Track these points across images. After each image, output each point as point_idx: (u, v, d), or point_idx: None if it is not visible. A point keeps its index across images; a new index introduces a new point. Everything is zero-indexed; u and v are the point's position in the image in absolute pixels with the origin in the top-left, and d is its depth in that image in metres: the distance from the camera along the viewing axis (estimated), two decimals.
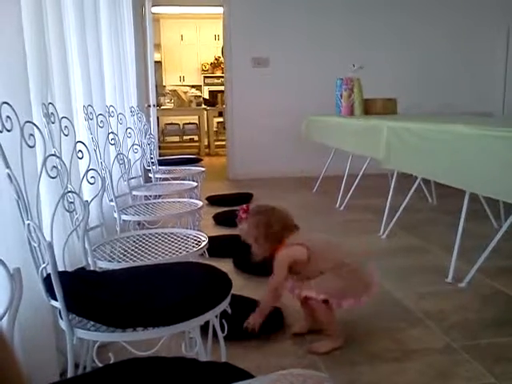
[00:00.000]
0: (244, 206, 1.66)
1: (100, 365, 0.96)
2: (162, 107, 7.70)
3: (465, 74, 5.41)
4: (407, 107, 4.25)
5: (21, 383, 0.48)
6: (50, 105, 1.39)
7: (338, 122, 3.69)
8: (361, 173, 3.72)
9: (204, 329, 1.14)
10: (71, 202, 1.26)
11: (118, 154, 2.09)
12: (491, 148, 1.86)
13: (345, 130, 3.46)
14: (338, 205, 3.79)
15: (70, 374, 1.03)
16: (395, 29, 5.30)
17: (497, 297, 2.03)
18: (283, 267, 1.59)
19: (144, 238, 1.61)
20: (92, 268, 1.31)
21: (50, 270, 1.02)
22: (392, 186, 3.05)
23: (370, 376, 1.46)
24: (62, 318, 1.02)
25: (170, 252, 1.45)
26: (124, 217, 1.90)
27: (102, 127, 1.94)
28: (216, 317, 1.08)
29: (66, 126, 1.39)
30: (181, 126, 8.20)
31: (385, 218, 3.00)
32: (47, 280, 1.03)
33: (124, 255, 1.46)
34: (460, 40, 5.39)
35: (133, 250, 1.49)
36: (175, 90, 8.10)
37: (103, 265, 1.36)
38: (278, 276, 1.59)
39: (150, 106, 4.69)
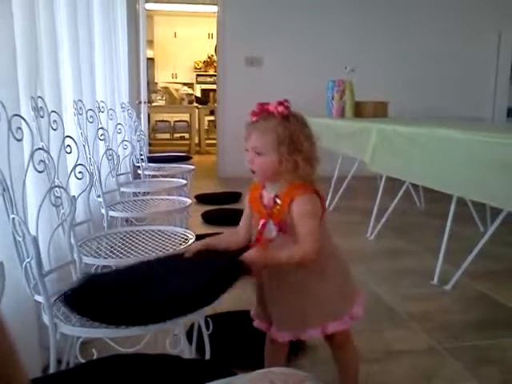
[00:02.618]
0: (273, 104, 1.11)
1: (83, 361, 0.95)
2: (154, 104, 7.67)
3: (456, 79, 5.46)
4: (399, 110, 4.28)
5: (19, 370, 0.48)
6: (39, 99, 1.38)
7: (328, 123, 3.70)
8: (350, 175, 3.73)
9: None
10: (58, 197, 1.25)
11: (107, 149, 2.07)
12: (478, 153, 1.88)
13: (334, 132, 3.47)
14: (327, 205, 3.80)
15: (52, 370, 1.02)
16: (389, 32, 5.33)
17: (481, 300, 2.05)
18: (316, 220, 1.10)
19: (131, 235, 1.61)
20: (78, 264, 1.31)
21: (33, 264, 1.01)
22: (381, 189, 3.07)
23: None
24: (45, 313, 1.01)
25: (157, 249, 1.45)
26: (111, 213, 1.89)
27: (91, 122, 1.93)
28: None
29: (54, 121, 1.38)
30: (172, 124, 8.17)
31: (373, 220, 3.02)
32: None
33: (111, 251, 1.45)
34: (452, 45, 5.44)
35: (119, 247, 1.48)
36: (167, 88, 8.06)
37: (89, 260, 1.35)
38: (315, 231, 1.07)
39: (140, 102, 4.67)
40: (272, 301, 1.16)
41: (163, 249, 1.45)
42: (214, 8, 5.43)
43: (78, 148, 1.49)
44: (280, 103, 1.10)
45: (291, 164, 1.08)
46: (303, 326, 1.15)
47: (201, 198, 4.00)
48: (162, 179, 2.79)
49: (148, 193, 2.45)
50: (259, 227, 1.14)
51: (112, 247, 1.49)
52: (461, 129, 2.10)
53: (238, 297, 2.04)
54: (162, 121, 8.18)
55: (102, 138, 2.00)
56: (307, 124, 1.14)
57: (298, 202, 1.08)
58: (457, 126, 2.29)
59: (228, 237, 1.28)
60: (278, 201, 1.11)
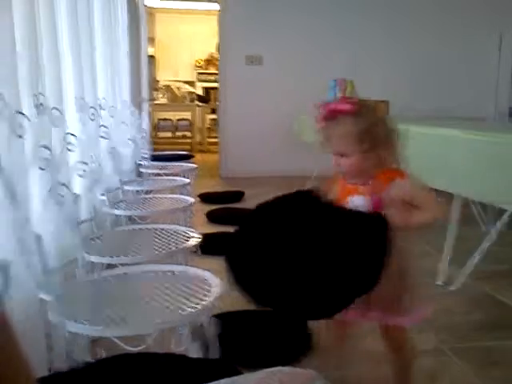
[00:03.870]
0: (334, 104, 1.10)
1: (90, 359, 0.94)
2: (155, 102, 7.65)
3: (457, 78, 5.44)
4: (400, 109, 4.26)
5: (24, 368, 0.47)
6: (41, 95, 1.37)
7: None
8: None
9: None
10: (61, 195, 1.24)
11: (109, 147, 2.06)
12: (481, 152, 1.86)
13: None
14: None
15: (59, 369, 1.01)
16: (389, 31, 5.31)
17: (486, 300, 2.04)
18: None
19: (135, 233, 1.60)
20: (81, 261, 1.30)
21: (38, 262, 1.00)
22: None
23: (359, 375, 1.46)
24: (52, 312, 1.00)
25: (160, 248, 1.44)
26: (115, 211, 1.88)
27: (93, 120, 1.92)
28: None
29: (56, 118, 1.37)
30: (174, 122, 8.16)
31: None
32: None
33: (114, 250, 1.44)
34: (453, 45, 5.42)
35: (123, 245, 1.48)
36: (168, 86, 8.05)
37: (93, 258, 1.35)
38: (431, 194, 1.07)
39: (142, 100, 4.65)
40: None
41: (167, 247, 1.44)
42: (216, 6, 5.41)
43: (80, 146, 1.48)
44: (345, 101, 1.10)
45: (376, 158, 1.08)
46: (395, 312, 1.15)
47: (204, 197, 3.99)
48: (165, 178, 2.78)
49: (151, 191, 2.44)
50: (347, 204, 1.12)
51: (116, 245, 1.48)
52: (463, 128, 2.09)
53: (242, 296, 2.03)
54: (165, 119, 8.17)
55: (104, 135, 1.99)
56: (377, 109, 1.15)
57: (401, 182, 1.08)
58: (459, 126, 2.28)
59: None
60: (370, 181, 1.12)
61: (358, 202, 1.13)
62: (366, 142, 1.07)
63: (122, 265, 1.31)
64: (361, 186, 1.13)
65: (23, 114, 1.09)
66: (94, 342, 1.08)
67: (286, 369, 0.64)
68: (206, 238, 1.78)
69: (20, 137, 1.05)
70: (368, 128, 1.07)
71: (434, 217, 1.05)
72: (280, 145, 5.20)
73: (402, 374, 1.27)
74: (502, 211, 2.05)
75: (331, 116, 1.09)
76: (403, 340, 1.23)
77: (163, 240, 1.51)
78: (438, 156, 2.14)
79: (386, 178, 1.09)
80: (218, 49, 5.50)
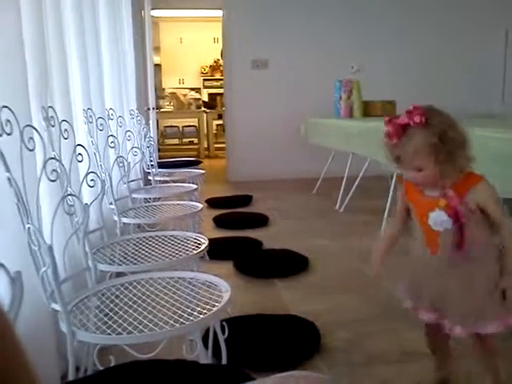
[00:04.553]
0: (405, 117, 1.07)
1: (101, 368, 0.96)
2: (162, 110, 7.70)
3: (463, 76, 5.41)
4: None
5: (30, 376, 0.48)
6: (50, 108, 1.40)
7: (336, 123, 3.69)
8: (360, 174, 3.72)
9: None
10: (71, 205, 1.26)
11: (117, 157, 2.09)
12: (490, 149, 1.86)
13: (344, 132, 3.46)
14: (337, 206, 3.79)
15: (70, 377, 1.02)
16: (394, 31, 5.31)
17: None
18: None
19: (144, 241, 1.61)
20: (92, 272, 1.31)
21: (49, 273, 1.02)
22: (391, 188, 3.05)
23: (370, 377, 1.46)
24: (62, 321, 1.02)
25: (170, 255, 1.45)
26: (124, 219, 1.90)
27: (101, 130, 1.94)
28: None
29: (65, 130, 1.39)
30: (180, 129, 8.21)
31: (384, 220, 3.00)
32: None
33: (124, 258, 1.46)
34: (458, 42, 5.40)
35: (133, 253, 1.49)
36: (174, 93, 8.10)
37: (103, 268, 1.36)
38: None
39: (149, 108, 4.70)
40: (454, 291, 1.14)
41: (176, 254, 1.45)
42: (219, 13, 5.45)
43: (89, 156, 1.50)
44: (411, 112, 1.06)
45: (454, 164, 1.06)
46: (483, 319, 1.12)
47: (212, 202, 4.00)
48: (173, 184, 2.80)
49: (159, 198, 2.46)
50: (428, 221, 1.13)
51: (126, 253, 1.49)
52: (472, 125, 2.08)
53: (251, 300, 2.05)
54: (171, 126, 8.22)
55: (112, 145, 2.02)
56: (445, 112, 1.10)
57: (481, 188, 1.09)
58: (468, 123, 2.27)
59: (390, 238, 1.32)
60: (450, 192, 1.10)
61: (439, 218, 1.12)
62: (442, 151, 1.04)
63: (132, 273, 1.33)
64: (441, 198, 1.11)
65: (33, 128, 1.11)
66: (105, 349, 1.09)
67: (298, 373, 0.64)
68: (214, 243, 1.79)
69: (30, 150, 1.07)
70: (442, 136, 1.04)
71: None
72: (287, 148, 5.21)
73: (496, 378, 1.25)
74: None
75: (398, 131, 1.07)
76: (495, 347, 1.22)
77: (172, 247, 1.52)
78: None
79: (465, 184, 1.09)
80: (223, 54, 5.53)
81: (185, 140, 8.31)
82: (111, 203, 1.90)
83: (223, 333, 1.13)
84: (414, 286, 1.24)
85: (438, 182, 1.10)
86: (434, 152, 1.04)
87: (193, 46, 9.18)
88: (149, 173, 2.93)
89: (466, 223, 1.10)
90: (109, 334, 0.99)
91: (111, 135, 2.03)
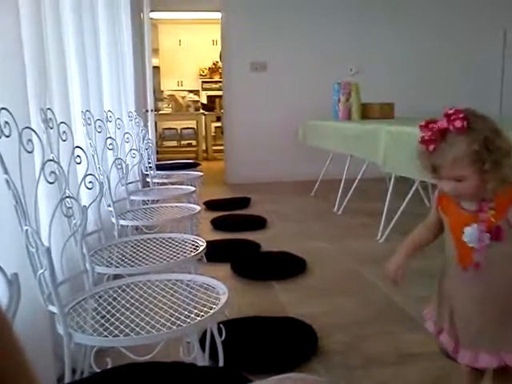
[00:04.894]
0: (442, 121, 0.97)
1: (98, 370, 0.96)
2: (160, 112, 7.71)
3: (462, 77, 5.43)
4: (404, 111, 4.27)
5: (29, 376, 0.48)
6: (49, 110, 1.40)
7: (335, 126, 3.70)
8: (358, 177, 3.72)
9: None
10: (69, 207, 1.26)
11: (115, 159, 2.09)
12: None
13: (342, 134, 3.47)
14: (335, 209, 3.79)
15: (67, 380, 1.02)
16: (393, 33, 5.33)
17: None
18: None
19: (142, 243, 1.61)
20: (90, 274, 1.31)
21: (47, 275, 1.02)
22: (389, 190, 3.06)
23: (368, 380, 1.46)
24: (59, 323, 1.02)
25: (168, 257, 1.45)
26: (122, 222, 1.90)
27: (100, 132, 1.94)
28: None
29: (64, 132, 1.39)
30: (178, 131, 8.21)
31: (382, 222, 3.01)
32: None
33: (122, 260, 1.46)
34: (457, 43, 5.42)
35: (131, 256, 1.49)
36: (173, 95, 8.11)
37: (101, 270, 1.36)
38: None
39: (147, 110, 4.70)
40: (482, 316, 1.04)
41: (174, 256, 1.45)
42: (218, 15, 5.46)
43: (87, 158, 1.51)
44: (450, 116, 0.95)
45: (497, 176, 0.95)
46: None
47: (210, 205, 4.01)
48: (171, 186, 2.81)
49: (157, 200, 2.46)
50: (463, 236, 1.03)
51: (123, 256, 1.50)
52: None
53: (249, 303, 2.05)
54: (169, 128, 8.22)
55: (110, 147, 2.02)
56: (488, 117, 0.99)
57: None
58: None
59: (421, 237, 1.24)
60: (491, 205, 1.00)
61: (476, 233, 1.02)
62: (486, 159, 0.94)
63: (130, 275, 1.33)
64: (480, 211, 1.01)
65: (32, 129, 1.12)
66: (102, 352, 1.09)
67: (296, 375, 0.64)
68: (211, 245, 1.79)
69: (29, 152, 1.07)
70: (487, 143, 0.94)
71: None
72: (285, 150, 5.22)
73: None
74: None
75: (436, 137, 0.96)
76: None
77: (170, 249, 1.53)
78: None
79: (509, 196, 0.99)
80: (222, 57, 5.54)
81: (183, 142, 8.32)
82: (109, 205, 1.90)
83: (220, 335, 1.14)
84: (441, 307, 1.16)
85: (479, 194, 1.00)
86: (477, 160, 0.94)
87: (192, 48, 9.19)
88: (147, 175, 2.93)
89: (505, 240, 1.00)
90: (106, 336, 1.00)
91: (109, 137, 2.03)
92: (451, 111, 0.95)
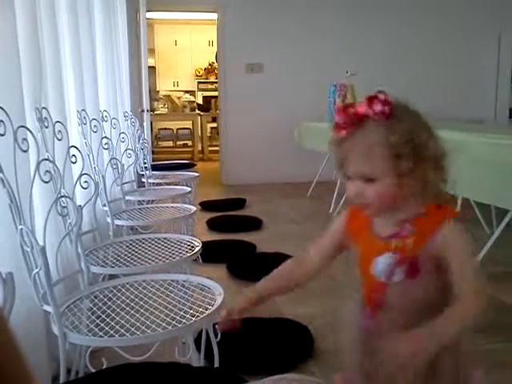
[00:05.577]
0: (356, 106, 0.78)
1: (93, 370, 0.95)
2: (156, 112, 7.69)
3: (457, 80, 5.46)
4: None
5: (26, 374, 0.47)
6: (44, 109, 1.39)
7: (330, 128, 3.70)
8: None
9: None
10: (64, 207, 1.26)
11: (111, 158, 2.08)
12: (483, 154, 1.88)
13: None
14: (331, 210, 3.80)
15: (62, 380, 1.02)
16: (388, 36, 5.35)
17: (489, 302, 2.03)
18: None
19: (137, 243, 1.61)
20: (85, 274, 1.31)
21: (42, 274, 1.01)
22: None
23: None
24: (54, 323, 1.01)
25: (163, 257, 1.45)
26: (117, 222, 1.89)
27: (95, 132, 1.94)
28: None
29: (59, 131, 1.39)
30: (174, 131, 8.20)
31: None
32: None
33: (117, 260, 1.45)
34: (452, 46, 5.45)
35: (126, 256, 1.49)
36: (169, 95, 8.10)
37: (96, 270, 1.36)
38: (480, 273, 0.78)
39: (143, 111, 4.69)
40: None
41: (170, 257, 1.45)
42: (214, 16, 5.45)
43: (82, 158, 1.50)
44: (372, 99, 0.76)
45: (418, 181, 0.76)
46: None
47: (205, 205, 4.00)
48: (167, 187, 2.80)
49: (153, 201, 2.45)
50: (371, 269, 0.81)
51: (118, 256, 1.49)
52: (465, 130, 2.10)
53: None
54: (165, 129, 8.20)
55: (106, 147, 2.01)
56: (418, 111, 0.82)
57: (449, 233, 0.76)
58: (460, 128, 2.30)
59: (287, 275, 0.93)
60: (410, 227, 0.78)
61: (387, 265, 0.79)
62: (405, 158, 0.74)
63: (125, 275, 1.32)
64: (396, 238, 0.79)
65: (27, 128, 1.11)
66: (97, 352, 1.08)
67: (291, 376, 0.64)
68: (207, 246, 1.79)
69: (24, 151, 1.06)
70: (409, 137, 0.75)
71: (476, 314, 0.75)
72: (281, 152, 5.22)
73: None
74: (504, 212, 2.06)
75: (351, 121, 0.77)
76: None
77: (165, 249, 1.52)
78: None
79: (435, 219, 0.77)
80: (218, 58, 5.54)
81: (179, 142, 8.30)
82: (104, 205, 1.90)
83: (216, 336, 1.13)
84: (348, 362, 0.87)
85: (396, 209, 0.78)
86: (393, 156, 0.74)
87: (188, 49, 9.18)
88: (142, 175, 2.92)
89: (419, 280, 0.77)
90: (101, 336, 0.99)
91: (105, 137, 2.03)
92: (374, 94, 0.76)
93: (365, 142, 0.76)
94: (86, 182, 1.41)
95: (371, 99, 0.76)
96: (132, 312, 1.10)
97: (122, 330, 1.01)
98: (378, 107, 0.75)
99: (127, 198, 2.34)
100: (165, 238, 1.64)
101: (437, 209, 0.78)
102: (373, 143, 0.75)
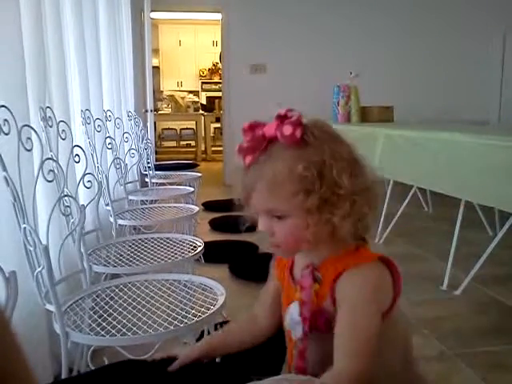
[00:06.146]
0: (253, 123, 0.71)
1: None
2: (160, 112, 7.71)
3: (461, 81, 5.44)
4: (403, 114, 4.27)
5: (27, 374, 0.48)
6: (48, 108, 1.40)
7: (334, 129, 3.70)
8: None
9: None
10: (67, 206, 1.26)
11: (114, 158, 2.09)
12: (486, 156, 1.87)
13: None
14: None
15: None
16: (392, 36, 5.34)
17: (491, 304, 2.03)
18: (376, 313, 0.65)
19: (140, 243, 1.61)
20: (87, 273, 1.31)
21: (44, 273, 1.01)
22: (388, 194, 3.06)
23: None
24: (56, 322, 1.02)
25: (165, 257, 1.45)
26: (120, 221, 1.89)
27: (99, 131, 1.94)
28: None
29: (63, 130, 1.39)
30: (178, 132, 8.21)
31: (380, 225, 3.01)
32: None
33: (119, 259, 1.46)
34: (456, 47, 5.43)
35: (128, 255, 1.49)
36: (173, 95, 8.11)
37: (98, 269, 1.36)
38: (372, 337, 0.63)
39: (147, 111, 4.70)
40: None
41: (172, 256, 1.45)
42: (218, 16, 5.46)
43: (86, 157, 1.50)
44: (282, 118, 0.66)
45: (326, 223, 0.65)
46: None
47: (208, 205, 4.00)
48: (170, 187, 2.80)
49: (156, 201, 2.46)
50: (284, 319, 0.73)
51: (121, 255, 1.49)
52: (468, 132, 2.09)
53: (246, 304, 2.04)
54: (169, 129, 8.22)
55: (109, 147, 2.02)
56: (339, 137, 0.69)
57: (348, 280, 0.65)
58: (464, 130, 2.29)
59: (240, 330, 0.86)
60: (318, 275, 0.69)
61: (293, 316, 0.70)
62: (313, 192, 0.63)
63: (127, 275, 1.33)
64: (302, 284, 0.70)
65: (31, 128, 1.11)
66: (98, 351, 1.09)
67: (293, 376, 0.64)
68: (209, 246, 1.79)
69: (28, 150, 1.07)
70: (321, 170, 0.63)
71: (358, 373, 0.60)
72: None
73: None
74: (507, 214, 2.05)
75: (256, 143, 0.67)
76: None
77: (168, 249, 1.52)
78: (443, 160, 2.15)
79: (338, 265, 0.66)
80: (222, 58, 5.55)
81: (182, 143, 8.32)
82: (107, 205, 1.90)
83: None
84: None
85: (310, 251, 0.69)
86: (303, 191, 0.63)
87: (192, 49, 9.20)
88: (146, 175, 2.93)
89: (326, 335, 0.65)
90: (103, 335, 0.99)
91: (109, 137, 2.03)
92: (285, 112, 0.66)
93: (271, 172, 0.64)
94: (89, 181, 1.42)
95: (281, 119, 0.66)
96: (134, 311, 1.10)
97: (124, 330, 1.01)
98: (287, 130, 0.64)
99: (130, 197, 2.34)
100: (167, 238, 1.64)
101: (349, 252, 0.67)
102: (277, 173, 0.64)
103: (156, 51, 8.66)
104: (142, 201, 2.45)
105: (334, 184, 0.64)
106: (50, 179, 1.15)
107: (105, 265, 1.40)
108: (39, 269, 1.04)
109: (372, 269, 0.66)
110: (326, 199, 0.64)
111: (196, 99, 8.58)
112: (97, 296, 1.20)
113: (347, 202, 0.64)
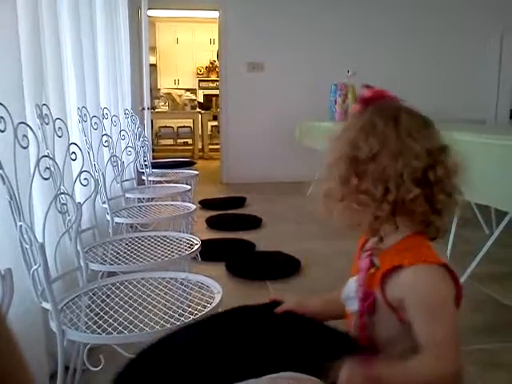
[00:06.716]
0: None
1: (91, 367, 0.95)
2: (157, 110, 7.69)
3: (458, 81, 5.46)
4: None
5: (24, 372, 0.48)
6: (44, 106, 1.39)
7: (331, 127, 3.70)
8: None
9: None
10: (64, 204, 1.26)
11: (111, 156, 2.08)
12: (483, 155, 1.87)
13: None
14: None
15: (59, 377, 1.02)
16: (389, 35, 5.34)
17: (488, 302, 2.04)
18: (454, 314, 0.68)
19: (136, 241, 1.61)
20: (84, 271, 1.31)
21: (41, 271, 1.01)
22: None
23: None
24: (52, 320, 1.01)
25: (162, 255, 1.45)
26: (117, 219, 1.89)
27: (95, 129, 1.94)
28: None
29: (59, 128, 1.39)
30: (175, 129, 8.20)
31: None
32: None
33: (116, 258, 1.45)
34: (454, 47, 5.44)
35: (125, 253, 1.49)
36: (170, 93, 8.09)
37: (95, 267, 1.36)
38: (455, 333, 0.69)
39: (144, 108, 4.69)
40: None
41: (169, 255, 1.45)
42: (216, 14, 5.45)
43: (82, 155, 1.50)
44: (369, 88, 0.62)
45: (384, 204, 0.61)
46: None
47: (205, 204, 4.00)
48: (166, 185, 2.80)
49: (152, 198, 2.45)
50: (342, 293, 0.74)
51: (117, 253, 1.49)
52: (465, 131, 2.10)
53: (242, 302, 2.04)
54: (166, 127, 8.20)
55: (106, 144, 2.01)
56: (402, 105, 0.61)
57: (410, 278, 0.63)
58: (461, 129, 2.29)
59: (330, 299, 0.88)
60: (376, 261, 0.69)
61: (350, 290, 0.72)
62: (359, 168, 0.60)
63: (124, 273, 1.32)
64: (364, 259, 0.72)
65: (27, 125, 1.11)
66: (95, 349, 1.08)
67: (288, 374, 0.64)
68: (206, 244, 1.79)
69: (24, 147, 1.06)
70: (380, 140, 0.59)
71: (438, 379, 0.61)
72: (281, 150, 5.22)
73: None
74: (503, 213, 2.06)
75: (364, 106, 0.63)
76: None
77: (165, 247, 1.52)
78: None
79: (393, 257, 0.65)
80: (219, 56, 5.54)
81: (179, 141, 8.30)
82: (104, 202, 1.90)
83: None
84: None
85: (371, 227, 0.67)
86: (352, 165, 0.61)
87: (189, 47, 9.17)
88: (142, 173, 2.92)
89: (376, 317, 0.66)
90: (99, 333, 0.99)
91: (105, 134, 2.03)
92: (369, 85, 0.63)
93: (334, 139, 0.64)
94: (85, 179, 1.41)
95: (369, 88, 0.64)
96: (130, 309, 1.10)
97: (120, 328, 1.01)
98: (365, 93, 0.64)
99: (127, 195, 2.34)
100: (164, 236, 1.64)
101: (412, 243, 0.64)
102: (337, 141, 0.64)
103: (153, 49, 8.63)
104: (139, 199, 2.44)
105: (361, 163, 0.64)
106: (46, 177, 1.15)
107: (101, 263, 1.40)
108: (35, 267, 1.04)
109: (435, 270, 0.65)
110: (365, 174, 0.64)
111: (193, 97, 8.56)
112: (93, 294, 1.20)
113: (396, 182, 0.64)
